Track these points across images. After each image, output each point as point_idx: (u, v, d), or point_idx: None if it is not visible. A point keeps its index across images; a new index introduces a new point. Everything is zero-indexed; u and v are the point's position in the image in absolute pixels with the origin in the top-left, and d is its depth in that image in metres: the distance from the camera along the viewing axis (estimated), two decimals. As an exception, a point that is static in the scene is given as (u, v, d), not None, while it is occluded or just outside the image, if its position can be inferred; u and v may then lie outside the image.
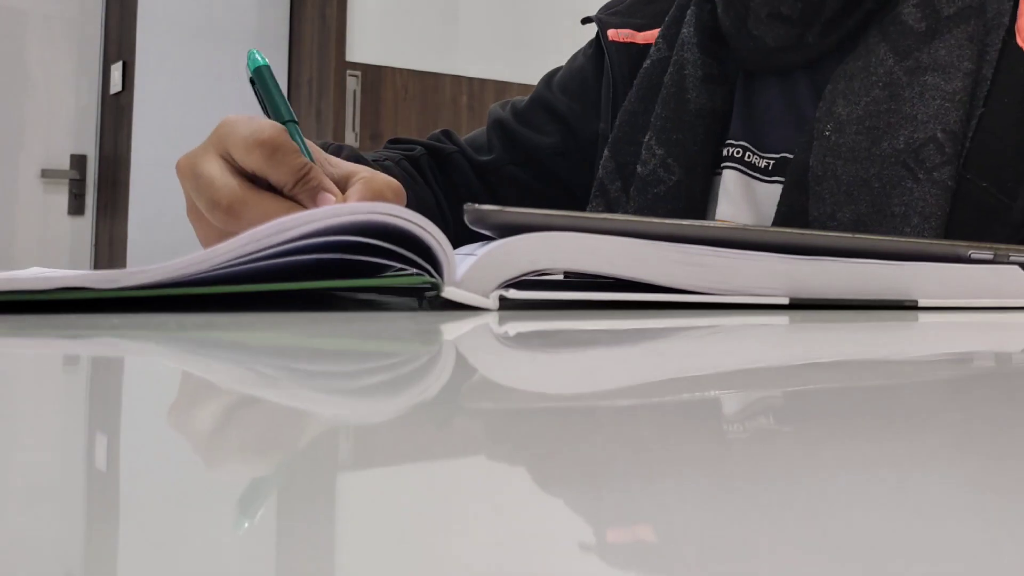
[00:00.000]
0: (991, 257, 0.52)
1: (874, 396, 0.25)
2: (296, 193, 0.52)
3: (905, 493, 0.15)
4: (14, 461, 0.16)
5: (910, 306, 0.49)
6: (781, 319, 0.45)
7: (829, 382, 0.28)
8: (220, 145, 0.52)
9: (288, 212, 0.42)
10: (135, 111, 3.03)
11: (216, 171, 0.52)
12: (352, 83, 2.96)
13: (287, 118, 0.57)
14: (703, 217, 0.82)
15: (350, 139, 2.92)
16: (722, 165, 0.81)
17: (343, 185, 0.55)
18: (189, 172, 0.53)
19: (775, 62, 0.80)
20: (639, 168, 0.82)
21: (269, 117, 0.57)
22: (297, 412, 0.21)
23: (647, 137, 0.83)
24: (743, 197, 0.80)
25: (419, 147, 0.93)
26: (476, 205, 0.45)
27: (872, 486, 0.15)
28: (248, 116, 0.53)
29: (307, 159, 0.53)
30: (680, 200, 0.80)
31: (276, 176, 0.51)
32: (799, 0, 0.77)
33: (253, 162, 0.51)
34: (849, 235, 0.51)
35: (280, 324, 0.39)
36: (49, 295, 0.38)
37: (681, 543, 0.13)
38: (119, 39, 3.20)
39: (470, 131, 0.98)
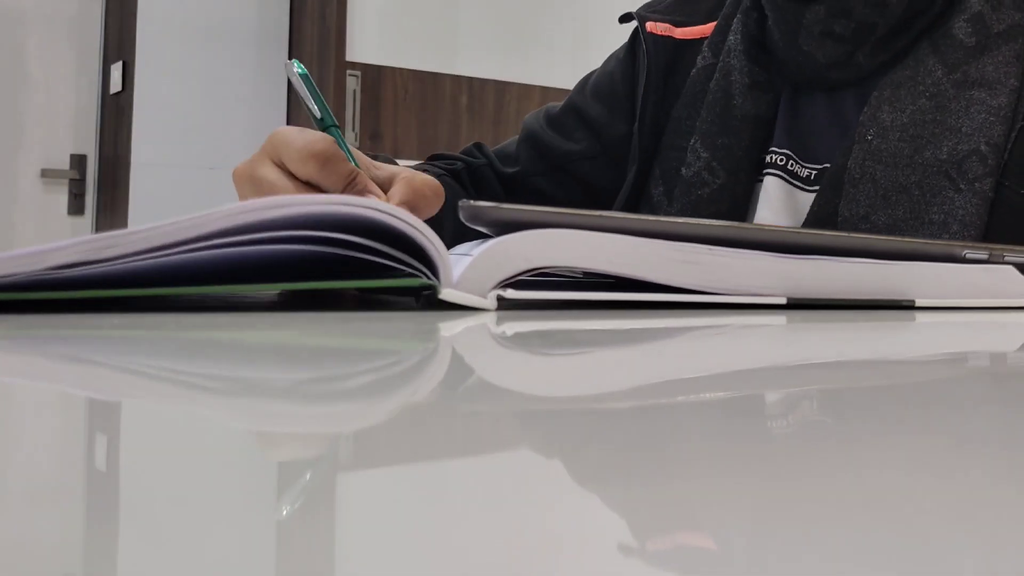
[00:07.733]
0: (986, 257, 0.52)
1: (873, 396, 0.25)
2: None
3: (905, 493, 0.15)
4: (13, 462, 0.17)
5: (907, 306, 0.50)
6: (779, 319, 0.45)
7: (828, 383, 0.28)
8: (274, 154, 0.56)
9: None
10: (135, 111, 3.02)
11: (274, 175, 0.56)
12: (352, 83, 2.95)
13: (330, 123, 0.61)
14: (744, 222, 0.82)
15: (349, 139, 2.91)
16: (764, 172, 0.82)
17: (386, 186, 0.58)
18: (247, 177, 0.57)
19: (824, 78, 0.81)
20: (684, 170, 0.83)
21: (314, 118, 0.61)
22: (293, 412, 0.22)
23: (692, 141, 0.84)
24: (784, 205, 0.80)
25: (459, 162, 0.96)
26: (471, 201, 0.45)
27: (872, 486, 0.15)
28: (298, 128, 0.57)
29: (353, 165, 0.56)
30: (723, 203, 0.81)
31: (328, 183, 0.55)
32: (852, 21, 0.77)
33: (307, 171, 0.55)
34: (845, 235, 0.51)
35: (279, 324, 0.39)
36: (48, 294, 0.38)
37: (679, 544, 0.13)
38: (119, 39, 3.19)
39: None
